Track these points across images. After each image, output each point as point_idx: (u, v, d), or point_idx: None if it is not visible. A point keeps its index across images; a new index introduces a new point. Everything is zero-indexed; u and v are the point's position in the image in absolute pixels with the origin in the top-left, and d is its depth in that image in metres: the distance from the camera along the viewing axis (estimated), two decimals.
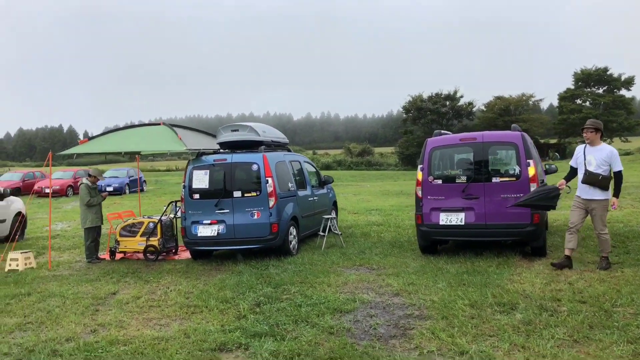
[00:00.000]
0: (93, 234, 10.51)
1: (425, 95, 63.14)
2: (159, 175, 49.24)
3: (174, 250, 10.87)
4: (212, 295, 7.40)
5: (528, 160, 8.40)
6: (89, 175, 10.71)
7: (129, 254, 10.81)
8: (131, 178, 29.57)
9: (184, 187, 9.82)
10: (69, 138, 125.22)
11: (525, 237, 8.44)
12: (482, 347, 5.01)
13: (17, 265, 9.80)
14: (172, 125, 10.35)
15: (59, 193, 28.28)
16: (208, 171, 9.65)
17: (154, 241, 10.36)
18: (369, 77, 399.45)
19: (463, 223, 8.58)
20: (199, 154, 9.88)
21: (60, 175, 30.14)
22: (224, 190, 9.55)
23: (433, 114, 61.71)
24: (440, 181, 8.95)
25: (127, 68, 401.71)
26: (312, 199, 11.25)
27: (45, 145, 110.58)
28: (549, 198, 7.67)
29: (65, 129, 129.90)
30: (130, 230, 10.60)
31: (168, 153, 10.50)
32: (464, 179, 8.77)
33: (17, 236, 13.36)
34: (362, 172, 54.85)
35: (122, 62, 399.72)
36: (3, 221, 12.85)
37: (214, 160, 9.74)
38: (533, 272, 7.71)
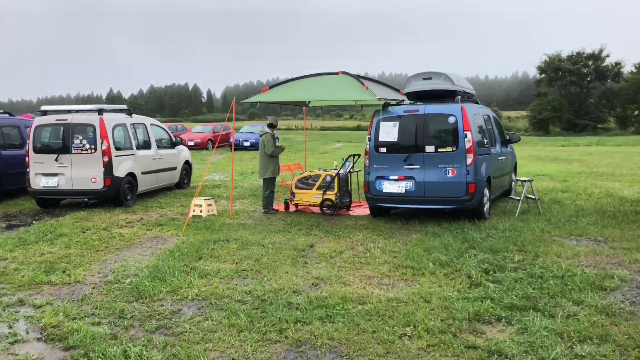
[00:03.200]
0: (272, 185, 10.36)
1: (564, 55, 57.48)
2: (283, 133, 49.96)
3: (348, 206, 10.44)
4: (421, 256, 6.77)
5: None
6: (270, 125, 10.49)
7: (302, 207, 10.58)
8: None
9: (369, 139, 9.22)
10: (194, 96, 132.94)
11: None
12: None
13: (201, 212, 9.93)
14: (349, 74, 9.73)
15: (199, 146, 29.57)
16: (397, 123, 8.94)
17: (331, 195, 9.98)
18: (495, 36, 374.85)
19: None
20: (386, 105, 9.17)
21: (200, 129, 31.52)
22: (415, 144, 8.79)
23: (572, 75, 56.10)
24: None
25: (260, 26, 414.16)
26: (501, 158, 10.17)
27: (172, 102, 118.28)
28: None
29: (190, 87, 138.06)
30: (306, 182, 10.31)
31: (355, 103, 9.93)
32: None
33: (184, 183, 13.89)
34: None
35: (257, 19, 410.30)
36: (174, 168, 13.28)
37: (404, 111, 8.99)
38: None
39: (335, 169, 10.69)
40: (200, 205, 10.01)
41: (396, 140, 8.92)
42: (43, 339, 4.63)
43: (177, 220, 9.58)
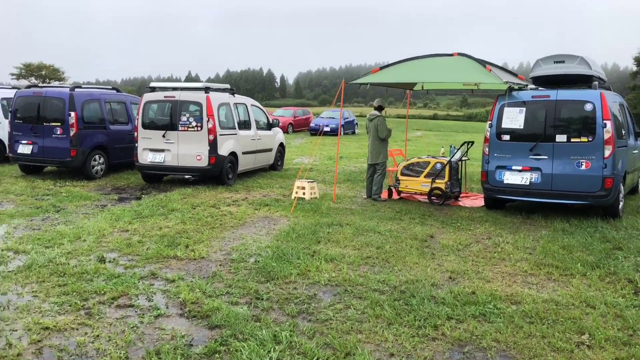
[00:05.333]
0: (383, 170, 9.95)
1: None
2: (361, 120, 49.49)
3: (456, 196, 9.90)
4: (562, 255, 6.17)
5: None
6: (379, 108, 10.08)
7: (406, 194, 10.14)
8: (346, 120, 29.75)
9: (490, 126, 8.61)
10: (267, 80, 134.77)
11: None
12: None
13: (304, 194, 9.74)
14: (468, 56, 9.12)
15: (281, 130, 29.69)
16: (524, 109, 8.27)
17: (441, 184, 9.47)
18: (584, 25, 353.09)
19: None
20: (509, 89, 8.51)
21: (281, 113, 31.65)
22: (543, 133, 8.10)
23: None
24: None
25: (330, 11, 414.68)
26: (635, 152, 9.23)
27: (247, 87, 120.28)
28: None
29: (264, 72, 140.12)
30: (413, 169, 9.85)
31: (476, 87, 9.34)
32: None
33: (278, 165, 13.82)
34: None
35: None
36: (270, 150, 13.22)
37: (532, 97, 8.30)
38: None
39: (443, 156, 10.17)
40: (303, 188, 9.81)
41: (522, 127, 8.25)
42: (185, 315, 4.52)
43: (282, 202, 9.44)
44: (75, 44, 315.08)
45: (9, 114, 12.20)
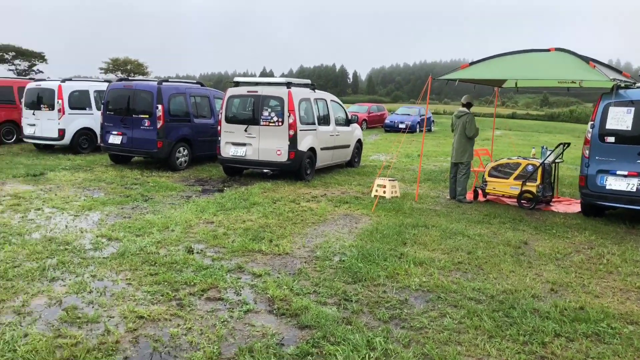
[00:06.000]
0: (468, 169, 9.51)
1: None
2: (437, 117, 48.46)
3: (548, 201, 9.27)
4: None
5: None
6: (468, 105, 9.62)
7: (492, 197, 9.64)
8: (422, 117, 29.02)
9: (592, 126, 7.96)
10: (340, 77, 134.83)
11: None
12: None
13: (384, 193, 9.49)
14: (568, 51, 8.46)
15: None
16: (632, 109, 7.57)
17: (532, 187, 8.90)
18: None
19: None
20: (615, 87, 7.82)
21: (356, 109, 31.42)
22: None
23: None
24: None
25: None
26: None
27: (320, 82, 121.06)
28: None
29: (337, 68, 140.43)
30: (502, 171, 9.33)
31: (579, 85, 8.70)
32: None
33: (355, 162, 13.63)
34: None
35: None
36: (347, 146, 13.06)
37: None
38: None
39: (534, 158, 9.56)
40: (384, 186, 9.56)
41: (629, 128, 7.56)
42: (274, 312, 4.45)
43: (362, 199, 9.25)
44: (157, 40, 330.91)
45: (102, 106, 12.84)
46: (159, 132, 11.66)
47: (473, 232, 7.13)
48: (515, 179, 9.09)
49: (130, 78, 13.20)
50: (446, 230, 7.17)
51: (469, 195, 9.71)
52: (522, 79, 9.65)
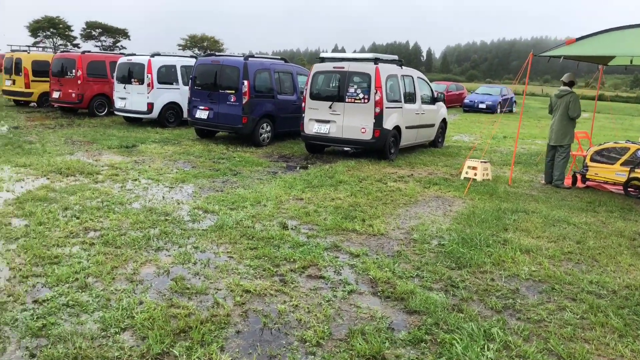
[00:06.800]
0: (568, 153, 8.91)
1: None
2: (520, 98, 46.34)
3: None
4: None
5: None
6: (570, 84, 8.96)
7: (593, 183, 8.98)
8: (504, 97, 27.73)
9: None
10: (413, 54, 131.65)
11: None
12: None
13: (475, 175, 9.08)
14: None
15: None
16: None
17: None
18: None
19: None
20: None
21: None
22: None
23: None
24: None
25: None
26: None
27: None
28: None
29: (411, 45, 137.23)
30: (607, 155, 8.64)
31: None
32: None
33: (439, 142, 13.18)
34: None
35: None
36: (432, 125, 12.63)
37: None
38: None
39: None
40: (475, 168, 9.15)
41: None
42: (378, 294, 4.32)
43: (451, 181, 8.91)
44: (230, 17, 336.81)
45: (189, 81, 13.13)
46: (244, 107, 11.78)
47: (578, 220, 6.66)
48: (622, 164, 8.40)
49: (217, 53, 13.36)
50: (548, 217, 6.73)
51: (567, 181, 9.10)
52: (637, 55, 8.81)
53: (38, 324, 3.53)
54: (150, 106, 14.48)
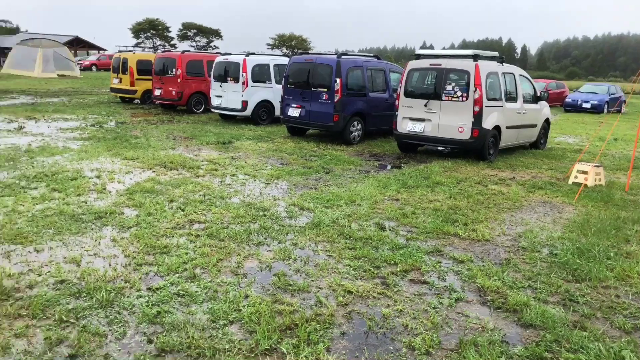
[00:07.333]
0: None
1: None
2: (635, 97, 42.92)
3: None
4: None
5: None
6: None
7: None
8: (612, 96, 25.68)
9: None
10: (507, 51, 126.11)
11: None
12: None
13: (586, 180, 8.41)
14: None
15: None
16: None
17: None
18: None
19: None
20: None
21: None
22: None
23: None
24: None
25: None
26: None
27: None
28: None
29: (504, 41, 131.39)
30: None
31: None
32: None
33: (540, 144, 12.43)
34: None
35: None
36: (534, 126, 11.91)
37: None
38: None
39: None
40: (585, 172, 8.48)
41: None
42: (487, 304, 4.07)
43: (558, 186, 8.32)
44: (318, 15, 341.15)
45: (282, 79, 13.34)
46: (336, 105, 11.76)
47: None
48: None
49: (310, 52, 13.48)
50: None
51: None
52: None
53: (153, 311, 3.66)
54: (245, 104, 14.90)
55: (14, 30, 65.36)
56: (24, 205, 6.07)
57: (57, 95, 22.11)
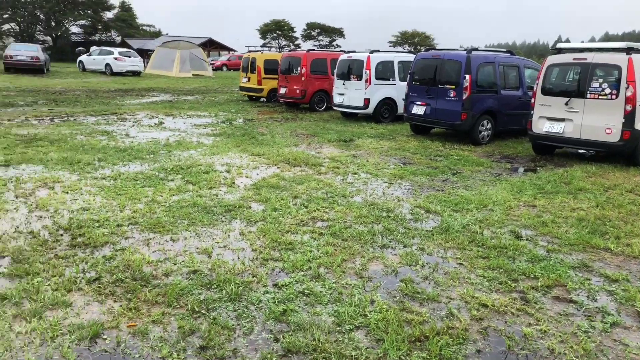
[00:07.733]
0: None
1: None
2: None
3: None
4: None
5: None
6: None
7: None
8: None
9: None
10: None
11: None
12: None
13: None
14: None
15: None
16: None
17: None
18: None
19: None
20: None
21: None
22: None
23: None
24: None
25: None
26: None
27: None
28: None
29: None
30: None
31: None
32: None
33: None
34: None
35: None
36: None
37: None
38: None
39: None
40: None
41: None
42: None
43: None
44: (441, 12, 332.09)
45: (407, 76, 12.99)
46: (464, 103, 11.17)
47: None
48: None
49: (438, 48, 12.98)
50: None
51: None
52: None
53: (279, 309, 3.63)
54: (367, 102, 14.77)
55: (157, 34, 71.93)
56: (162, 196, 6.47)
57: (192, 94, 23.78)
